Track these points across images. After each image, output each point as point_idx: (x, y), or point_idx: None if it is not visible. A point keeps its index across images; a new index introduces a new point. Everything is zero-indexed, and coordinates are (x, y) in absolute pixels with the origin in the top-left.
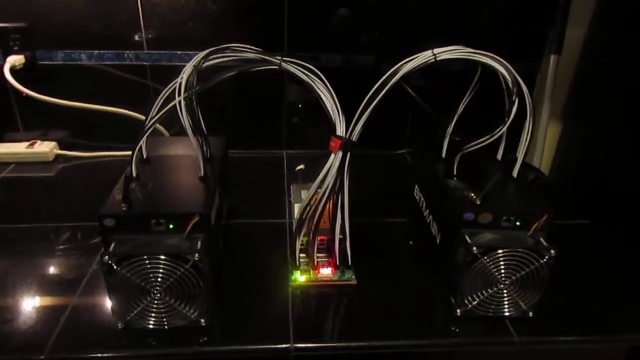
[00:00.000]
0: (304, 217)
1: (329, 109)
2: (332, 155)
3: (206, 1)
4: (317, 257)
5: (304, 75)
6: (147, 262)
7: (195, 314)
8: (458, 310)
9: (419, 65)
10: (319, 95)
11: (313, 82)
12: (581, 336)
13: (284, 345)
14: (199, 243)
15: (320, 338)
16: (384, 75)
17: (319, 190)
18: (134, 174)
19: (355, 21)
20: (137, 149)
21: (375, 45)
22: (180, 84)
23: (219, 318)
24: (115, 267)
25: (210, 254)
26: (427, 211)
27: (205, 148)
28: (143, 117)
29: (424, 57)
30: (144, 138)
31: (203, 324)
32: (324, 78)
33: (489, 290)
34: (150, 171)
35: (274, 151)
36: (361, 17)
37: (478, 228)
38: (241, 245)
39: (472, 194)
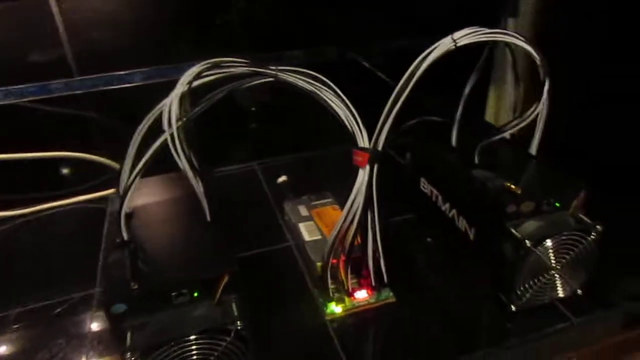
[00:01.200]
0: (333, 243)
1: (344, 119)
2: (360, 172)
3: (141, 7)
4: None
5: (307, 84)
6: (178, 347)
7: None
8: (513, 307)
9: (440, 55)
10: (329, 105)
11: (319, 90)
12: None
13: None
14: (234, 307)
15: None
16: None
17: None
18: (126, 238)
19: (313, 11)
20: (123, 208)
21: (339, 35)
22: (170, 114)
23: None
24: None
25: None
26: (447, 205)
27: (205, 187)
28: (85, 155)
29: (444, 45)
30: (129, 195)
31: None
32: (332, 85)
33: (541, 278)
34: (141, 228)
35: (242, 165)
36: (317, 5)
37: (519, 217)
38: (251, 284)
39: (509, 184)
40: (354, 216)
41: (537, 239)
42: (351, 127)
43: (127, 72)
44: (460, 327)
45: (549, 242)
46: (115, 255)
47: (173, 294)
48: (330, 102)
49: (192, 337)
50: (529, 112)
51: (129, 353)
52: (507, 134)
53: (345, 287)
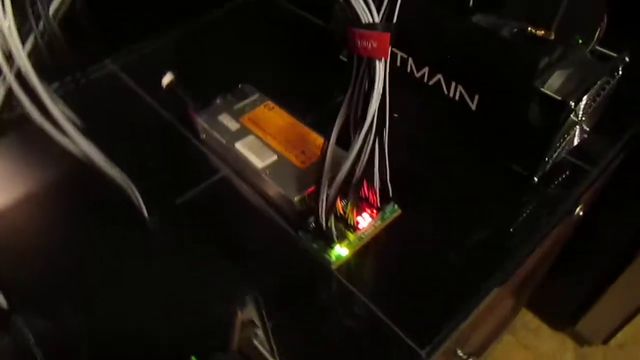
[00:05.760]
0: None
1: None
2: (377, 64)
3: None
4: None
5: None
6: None
7: None
8: (535, 178)
9: None
10: None
11: None
12: None
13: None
14: (259, 346)
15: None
16: None
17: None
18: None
19: None
20: None
21: None
22: None
23: None
24: None
25: None
26: (426, 70)
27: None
28: None
29: None
30: None
31: None
32: None
33: (566, 136)
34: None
35: (94, 68)
36: None
37: (546, 71)
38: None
39: (532, 28)
40: (367, 134)
41: (576, 96)
42: None
43: None
44: (487, 212)
45: (585, 98)
46: None
47: None
48: None
49: None
50: None
51: None
52: None
53: (349, 222)
